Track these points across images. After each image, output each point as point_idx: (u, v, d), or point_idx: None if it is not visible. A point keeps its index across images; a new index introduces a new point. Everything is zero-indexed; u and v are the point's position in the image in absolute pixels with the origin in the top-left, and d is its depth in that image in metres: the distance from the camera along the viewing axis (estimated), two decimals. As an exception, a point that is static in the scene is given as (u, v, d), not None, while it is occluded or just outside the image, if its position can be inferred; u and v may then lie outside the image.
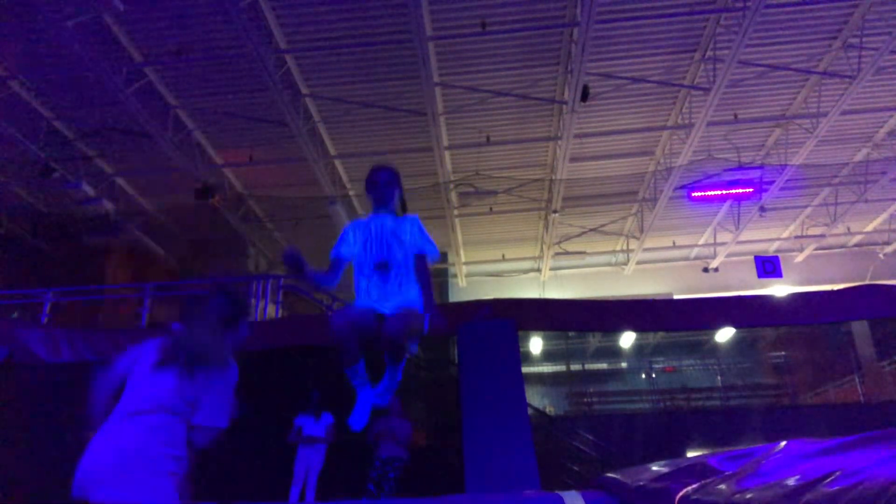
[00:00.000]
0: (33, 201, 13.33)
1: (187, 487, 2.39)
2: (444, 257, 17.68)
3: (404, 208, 3.37)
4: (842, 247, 17.69)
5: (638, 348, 17.90)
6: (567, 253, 16.18)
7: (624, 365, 18.32)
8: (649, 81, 10.53)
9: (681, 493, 1.33)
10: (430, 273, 3.16)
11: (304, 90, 10.69)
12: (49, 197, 12.97)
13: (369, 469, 6.74)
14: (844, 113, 11.19)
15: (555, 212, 14.18)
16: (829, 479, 1.11)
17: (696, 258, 18.07)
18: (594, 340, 17.75)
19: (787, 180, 13.17)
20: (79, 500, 2.18)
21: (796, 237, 16.77)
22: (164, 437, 2.30)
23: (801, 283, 15.96)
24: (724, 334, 15.80)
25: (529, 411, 7.00)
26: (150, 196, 14.00)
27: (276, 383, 7.44)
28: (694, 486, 1.37)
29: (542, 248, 16.69)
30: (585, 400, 16.67)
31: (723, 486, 1.30)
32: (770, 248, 17.48)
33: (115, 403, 2.42)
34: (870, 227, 16.68)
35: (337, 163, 12.93)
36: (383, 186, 3.26)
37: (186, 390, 2.36)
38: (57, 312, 10.58)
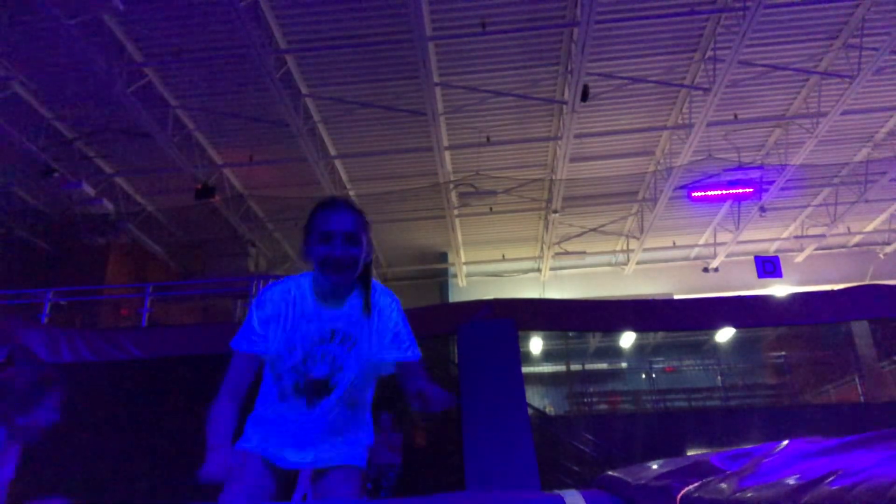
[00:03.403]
0: (33, 201, 13.34)
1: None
2: (444, 257, 17.71)
3: (368, 280, 2.01)
4: (842, 247, 17.71)
5: (638, 348, 17.89)
6: (567, 253, 16.19)
7: (624, 365, 18.31)
8: (649, 81, 10.53)
9: (682, 492, 1.33)
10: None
11: (304, 90, 10.69)
12: (49, 197, 12.97)
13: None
14: (844, 113, 11.19)
15: (555, 212, 14.19)
16: (829, 479, 1.12)
17: (696, 258, 18.08)
18: (594, 340, 17.74)
19: (787, 180, 13.18)
20: None
21: (796, 237, 16.78)
22: None
23: (801, 283, 15.96)
24: (724, 334, 15.78)
25: (529, 411, 6.99)
26: (150, 196, 14.01)
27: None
28: (695, 484, 1.37)
29: (542, 248, 16.70)
30: (585, 400, 16.66)
31: (724, 485, 1.30)
32: (770, 248, 17.50)
33: None
34: (870, 227, 16.69)
35: (337, 163, 12.93)
36: (345, 242, 1.89)
37: None
38: (57, 312, 10.59)
